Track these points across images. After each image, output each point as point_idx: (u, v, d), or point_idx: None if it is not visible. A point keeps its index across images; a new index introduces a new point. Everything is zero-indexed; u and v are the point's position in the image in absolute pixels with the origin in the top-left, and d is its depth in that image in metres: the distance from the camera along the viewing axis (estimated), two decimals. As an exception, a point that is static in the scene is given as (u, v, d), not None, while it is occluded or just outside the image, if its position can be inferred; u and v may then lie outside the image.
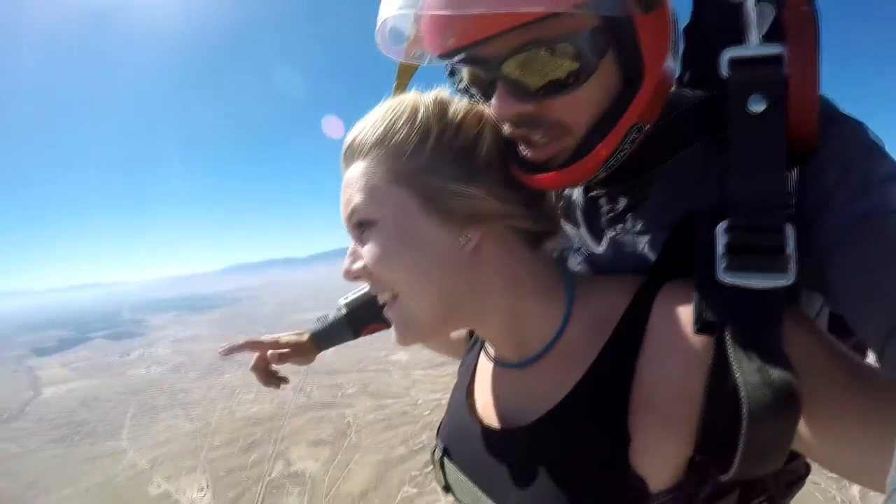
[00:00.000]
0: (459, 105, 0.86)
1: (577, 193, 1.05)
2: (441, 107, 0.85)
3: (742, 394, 0.62)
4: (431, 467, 1.03)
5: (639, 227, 0.90)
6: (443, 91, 0.89)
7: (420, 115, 0.83)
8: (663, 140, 0.82)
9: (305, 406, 77.23)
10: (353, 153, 0.86)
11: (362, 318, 1.65)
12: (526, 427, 0.85)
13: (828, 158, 0.69)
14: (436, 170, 0.81)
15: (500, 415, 0.95)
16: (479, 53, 0.75)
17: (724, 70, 0.67)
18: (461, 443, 1.01)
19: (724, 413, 0.66)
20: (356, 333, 1.67)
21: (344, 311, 1.66)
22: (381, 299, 0.89)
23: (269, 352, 1.53)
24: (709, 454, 0.70)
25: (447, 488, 1.03)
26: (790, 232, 0.65)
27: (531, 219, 0.88)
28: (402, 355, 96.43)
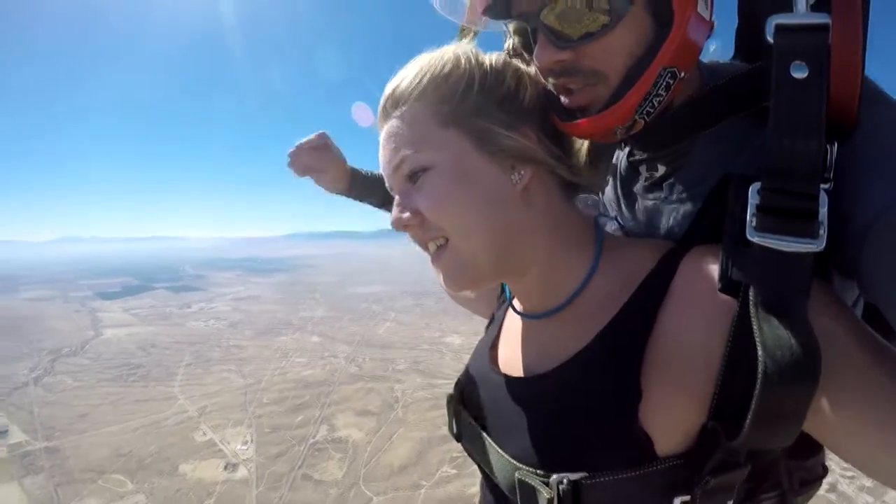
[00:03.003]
0: (494, 56, 0.90)
1: (621, 160, 1.05)
2: (478, 57, 0.88)
3: (760, 355, 0.61)
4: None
5: (674, 195, 0.90)
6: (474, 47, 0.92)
7: (462, 63, 0.85)
8: (706, 106, 0.83)
9: (356, 376, 75.91)
10: (395, 103, 0.86)
11: None
12: (540, 375, 0.86)
13: (868, 137, 0.68)
14: (484, 112, 0.83)
15: (521, 365, 0.95)
16: (520, 8, 0.82)
17: (770, 36, 0.67)
18: (476, 391, 1.02)
19: (741, 377, 0.65)
20: (386, 205, 1.60)
21: None
22: (432, 248, 0.89)
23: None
24: (721, 421, 0.69)
25: (458, 437, 1.05)
26: (824, 199, 0.64)
27: (569, 169, 0.90)
28: (456, 338, 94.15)
